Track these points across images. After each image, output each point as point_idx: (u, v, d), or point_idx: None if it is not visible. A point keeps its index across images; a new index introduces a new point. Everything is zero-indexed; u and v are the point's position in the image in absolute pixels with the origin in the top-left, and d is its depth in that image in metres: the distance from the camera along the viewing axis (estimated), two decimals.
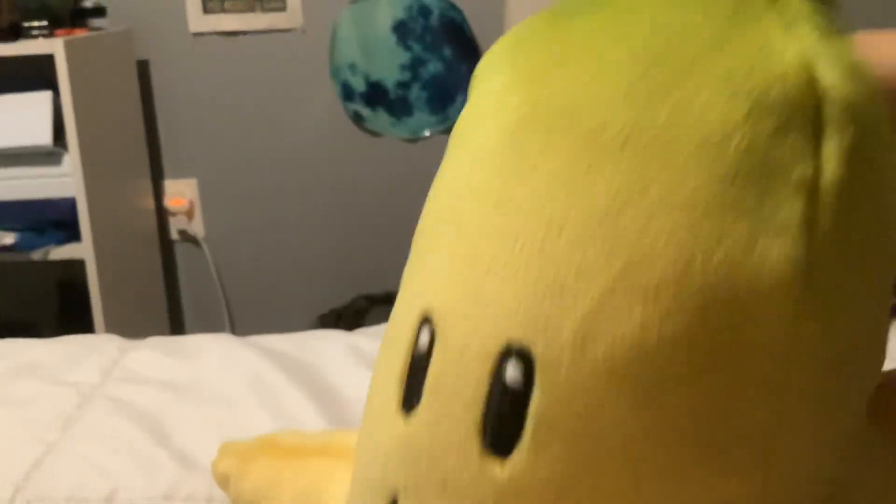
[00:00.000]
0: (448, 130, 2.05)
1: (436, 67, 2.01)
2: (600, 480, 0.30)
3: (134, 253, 2.06)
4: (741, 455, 0.30)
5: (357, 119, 2.07)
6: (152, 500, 0.73)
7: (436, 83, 2.02)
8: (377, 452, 0.37)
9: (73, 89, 1.72)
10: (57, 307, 2.15)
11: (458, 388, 0.32)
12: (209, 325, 2.23)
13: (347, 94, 2.04)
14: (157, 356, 0.94)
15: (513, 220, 0.32)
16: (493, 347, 0.31)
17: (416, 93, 2.03)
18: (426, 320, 0.35)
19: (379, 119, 2.06)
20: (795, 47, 0.30)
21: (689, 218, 0.29)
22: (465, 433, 0.32)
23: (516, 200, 0.32)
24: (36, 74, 1.78)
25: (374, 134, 2.08)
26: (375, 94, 2.04)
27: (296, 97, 2.08)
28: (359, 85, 2.03)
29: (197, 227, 2.18)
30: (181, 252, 2.22)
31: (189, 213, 2.16)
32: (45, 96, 1.77)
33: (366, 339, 1.00)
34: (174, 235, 2.19)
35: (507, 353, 0.31)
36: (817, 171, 0.29)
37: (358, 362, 0.94)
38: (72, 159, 1.76)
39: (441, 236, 0.35)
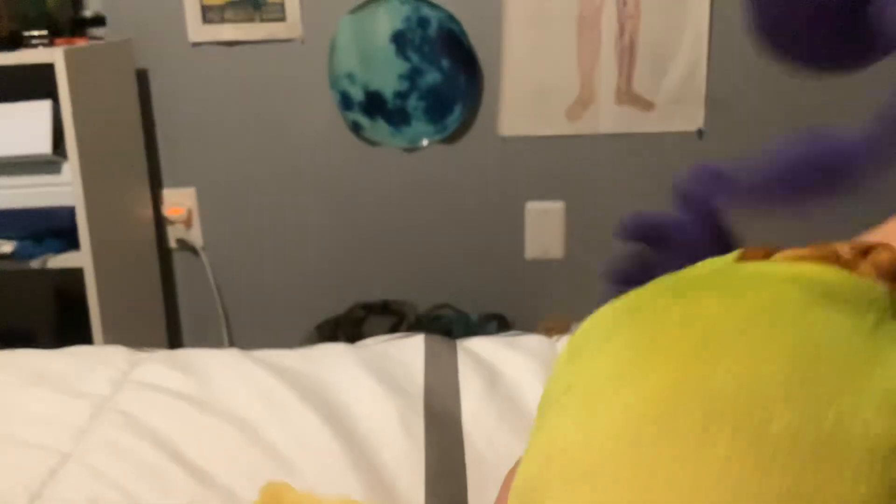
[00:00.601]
0: (446, 140, 2.07)
1: (434, 78, 2.03)
2: None
3: (132, 261, 2.06)
4: None
5: (356, 128, 2.08)
6: None
7: (434, 93, 2.03)
8: None
9: (72, 98, 1.73)
10: (55, 316, 2.15)
11: None
12: (207, 334, 2.23)
13: (346, 103, 2.05)
14: (166, 371, 0.95)
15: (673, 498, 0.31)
16: None
17: (414, 102, 2.04)
18: None
19: (377, 128, 2.07)
20: None
21: None
22: None
23: (669, 483, 0.31)
24: (36, 83, 1.78)
25: (372, 143, 2.09)
26: (374, 104, 2.05)
27: (295, 106, 2.09)
28: (357, 94, 2.04)
29: (195, 236, 2.18)
30: (179, 261, 2.22)
31: (187, 222, 2.17)
32: (44, 105, 1.78)
33: (372, 355, 1.01)
34: (172, 244, 2.19)
35: None
36: None
37: (366, 376, 0.94)
38: (71, 168, 1.76)
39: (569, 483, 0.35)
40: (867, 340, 0.32)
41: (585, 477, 0.33)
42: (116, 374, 0.94)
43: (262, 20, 2.03)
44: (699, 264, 0.38)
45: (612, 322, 0.37)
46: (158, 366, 0.95)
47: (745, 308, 0.33)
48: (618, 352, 0.35)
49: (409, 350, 1.00)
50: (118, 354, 0.99)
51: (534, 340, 1.03)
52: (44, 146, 1.78)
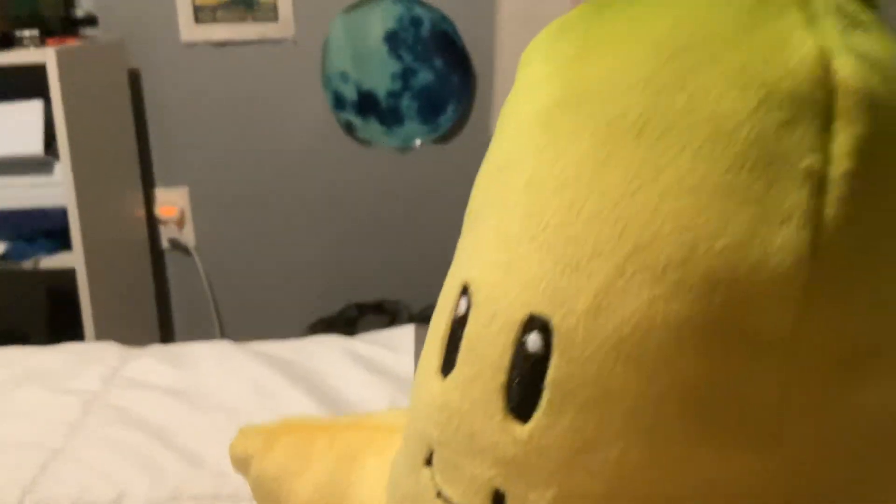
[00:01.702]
0: (439, 140, 2.06)
1: (427, 77, 2.02)
2: (613, 447, 0.32)
3: (124, 262, 2.05)
4: (751, 432, 0.32)
5: (348, 128, 2.07)
6: (158, 502, 0.73)
7: (427, 93, 2.03)
8: (419, 410, 0.40)
9: (64, 98, 1.72)
10: (47, 316, 2.14)
11: (487, 353, 0.35)
12: (200, 334, 2.22)
13: (339, 103, 2.05)
14: (157, 364, 0.94)
15: (540, 198, 0.34)
16: (518, 317, 0.34)
17: (407, 102, 2.04)
18: (465, 291, 0.37)
19: (370, 128, 2.06)
20: (814, 41, 0.31)
21: (696, 203, 0.31)
22: (492, 395, 0.34)
23: (544, 181, 0.34)
24: (27, 83, 1.77)
25: (365, 143, 2.09)
26: (367, 104, 2.04)
27: (287, 106, 2.09)
28: (350, 94, 2.04)
29: (188, 236, 2.17)
30: (172, 261, 2.21)
31: (180, 222, 2.16)
32: (36, 105, 1.77)
33: (363, 344, 1.01)
34: (165, 244, 2.19)
35: (530, 324, 0.33)
36: (826, 162, 0.30)
37: (356, 364, 0.94)
38: (63, 168, 1.75)
39: (482, 214, 0.38)
40: (745, 20, 0.32)
41: (492, 192, 0.38)
42: (107, 370, 0.93)
43: (255, 20, 2.03)
44: None
45: (539, 45, 0.40)
46: (149, 360, 0.95)
47: (639, 8, 0.35)
48: (531, 72, 0.38)
49: (400, 339, 1.00)
50: (109, 350, 0.99)
51: None
52: (35, 146, 1.77)
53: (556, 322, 0.33)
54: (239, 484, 0.75)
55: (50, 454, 0.79)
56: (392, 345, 0.98)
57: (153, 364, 0.94)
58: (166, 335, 2.24)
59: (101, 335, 1.84)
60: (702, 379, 0.31)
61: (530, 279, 0.34)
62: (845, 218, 0.30)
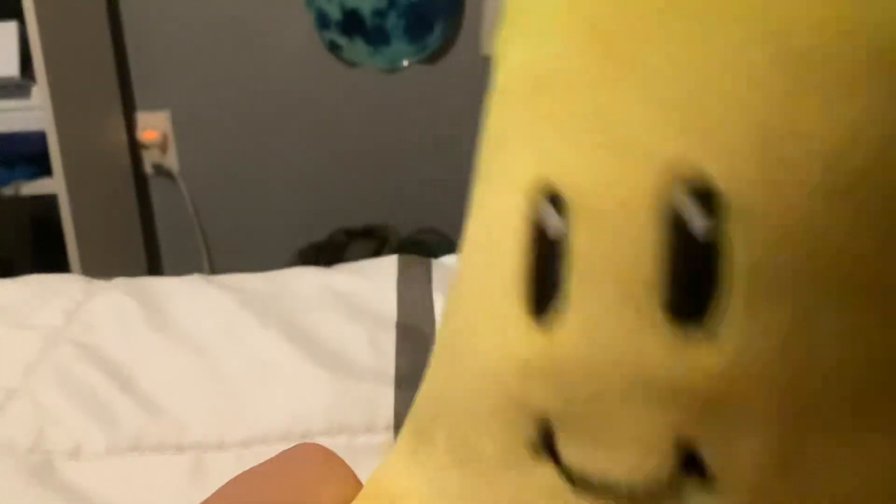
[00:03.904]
0: (427, 60, 2.01)
1: None
2: (853, 339, 0.24)
3: (108, 187, 2.02)
4: None
5: (333, 48, 2.01)
6: (119, 452, 0.71)
7: (414, 11, 1.97)
8: (498, 380, 0.29)
9: (39, 19, 1.67)
10: (31, 244, 2.12)
11: (626, 262, 0.25)
12: (186, 260, 2.20)
13: (323, 22, 1.99)
14: (123, 299, 0.92)
15: (643, 62, 0.25)
16: (664, 194, 0.24)
17: (393, 21, 1.97)
18: (548, 201, 0.27)
19: (356, 48, 2.01)
20: None
21: None
22: (651, 316, 0.25)
23: (640, 52, 0.25)
24: (1, 4, 1.72)
25: (351, 64, 2.04)
26: (352, 23, 1.98)
27: (270, 26, 2.03)
28: (334, 13, 1.98)
29: (171, 161, 2.13)
30: (156, 186, 2.18)
31: (163, 147, 2.12)
32: (10, 27, 1.72)
33: (342, 275, 0.98)
34: (148, 169, 2.15)
35: (680, 191, 0.24)
36: None
37: (336, 300, 0.92)
38: (40, 91, 1.71)
39: (527, 120, 0.28)
40: None
41: (538, 91, 0.28)
42: (71, 304, 0.91)
43: None
44: None
45: None
46: (116, 294, 0.92)
47: None
48: None
49: (382, 270, 0.97)
50: (74, 283, 0.96)
51: None
52: (11, 69, 1.73)
53: (723, 181, 0.23)
54: (200, 433, 0.73)
55: (5, 394, 0.77)
56: (373, 277, 0.95)
57: (120, 299, 0.91)
58: (153, 261, 2.22)
59: (86, 262, 1.82)
60: None
61: (662, 133, 0.24)
62: None
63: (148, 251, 2.20)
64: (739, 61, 0.23)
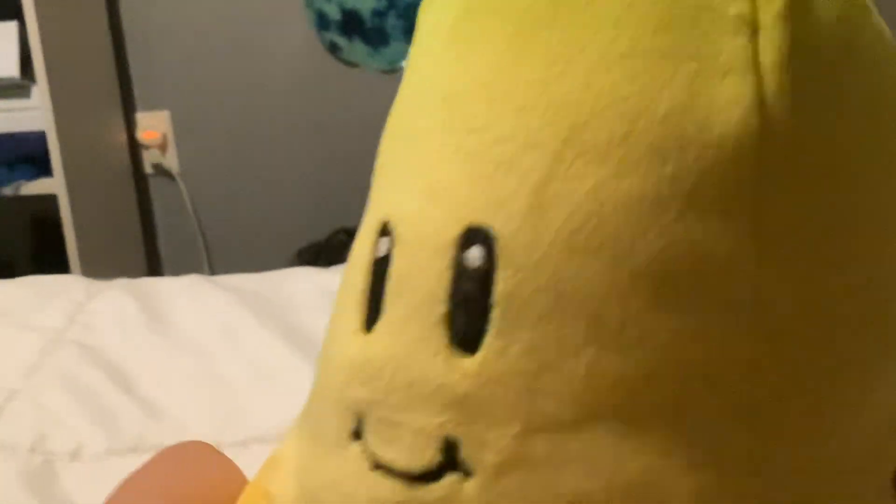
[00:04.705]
0: None
1: None
2: (580, 359, 0.29)
3: (108, 187, 2.02)
4: (730, 304, 0.30)
5: (333, 49, 2.02)
6: (120, 453, 0.72)
7: (413, 12, 1.96)
8: (336, 377, 0.35)
9: (39, 19, 1.67)
10: (31, 244, 2.12)
11: (421, 285, 0.31)
12: (186, 260, 2.20)
13: (322, 22, 1.99)
14: (124, 299, 0.92)
15: (459, 109, 0.31)
16: (453, 234, 0.31)
17: (392, 21, 1.98)
18: (385, 231, 0.34)
19: (355, 49, 2.01)
20: None
21: (629, 71, 0.28)
22: (432, 331, 0.31)
23: (460, 91, 0.31)
24: (1, 5, 1.72)
25: (350, 65, 2.04)
26: (351, 23, 1.99)
27: (270, 26, 2.03)
28: (334, 13, 1.98)
29: (171, 161, 2.14)
30: (156, 186, 2.18)
31: (162, 147, 2.12)
32: (10, 27, 1.72)
33: (339, 278, 0.98)
34: (148, 169, 2.15)
35: (467, 239, 0.30)
36: (755, 7, 0.28)
37: (332, 301, 0.92)
38: (40, 91, 1.72)
39: (395, 149, 0.35)
40: None
41: (405, 126, 0.35)
42: (71, 305, 0.91)
43: None
44: None
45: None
46: (117, 295, 0.93)
47: None
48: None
49: None
50: (75, 284, 0.97)
51: None
52: (11, 69, 1.73)
53: (496, 229, 0.30)
54: (197, 434, 0.74)
55: (6, 395, 0.77)
56: None
57: (120, 300, 0.91)
58: (152, 261, 2.22)
59: (86, 263, 1.82)
60: (668, 259, 0.29)
61: (460, 191, 0.30)
62: (784, 64, 0.28)
63: (147, 251, 2.21)
64: (519, 129, 0.30)
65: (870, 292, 0.31)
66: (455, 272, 0.30)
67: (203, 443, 0.51)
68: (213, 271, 2.19)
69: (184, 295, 0.93)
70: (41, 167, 1.78)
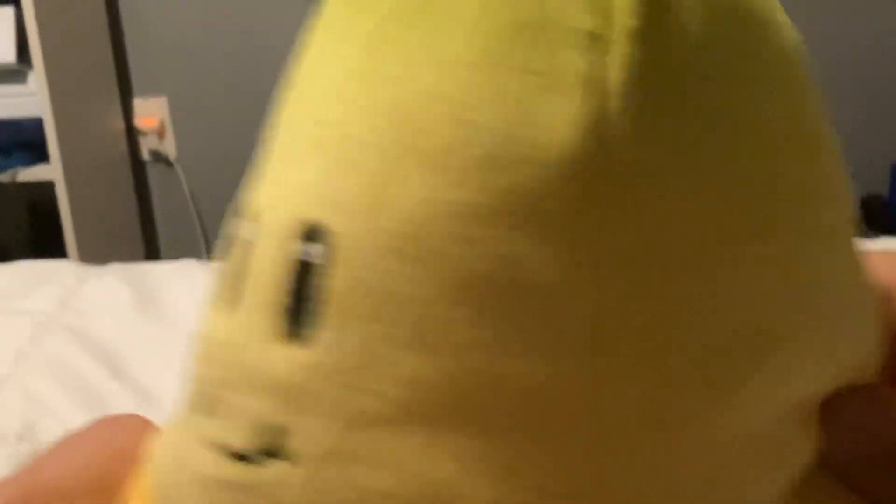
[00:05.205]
0: None
1: None
2: (405, 364, 0.29)
3: (105, 174, 2.02)
4: (561, 339, 0.28)
5: None
6: None
7: None
8: (200, 354, 0.37)
9: (35, 4, 1.67)
10: (28, 231, 2.12)
11: (264, 273, 0.31)
12: (184, 247, 2.20)
13: None
14: (117, 285, 0.91)
15: (313, 102, 0.31)
16: (294, 227, 0.30)
17: None
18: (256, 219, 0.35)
19: None
20: None
21: (474, 81, 0.27)
22: (273, 319, 0.30)
23: (318, 83, 0.31)
24: None
25: None
26: None
27: (268, 10, 2.02)
28: None
29: (168, 147, 2.13)
30: (153, 173, 2.17)
31: (160, 133, 2.12)
32: (6, 12, 1.72)
33: None
34: (146, 156, 2.15)
35: (308, 234, 0.30)
36: (606, 22, 0.27)
37: None
38: (37, 77, 1.71)
39: (271, 137, 0.34)
40: None
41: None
42: (62, 290, 0.91)
43: None
44: None
45: None
46: (109, 279, 0.92)
47: None
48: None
49: None
50: (66, 269, 0.96)
51: None
52: (7, 55, 1.73)
53: (332, 226, 0.29)
54: None
55: None
56: None
57: (113, 284, 0.91)
58: (150, 247, 2.22)
59: (83, 248, 1.82)
60: (496, 278, 0.28)
61: (303, 183, 0.30)
62: (631, 85, 0.27)
63: (145, 237, 2.20)
64: (365, 129, 0.29)
65: (728, 324, 0.31)
66: (295, 265, 0.30)
67: (138, 415, 0.51)
68: (209, 257, 2.19)
69: (177, 279, 0.93)
70: (38, 153, 1.78)
